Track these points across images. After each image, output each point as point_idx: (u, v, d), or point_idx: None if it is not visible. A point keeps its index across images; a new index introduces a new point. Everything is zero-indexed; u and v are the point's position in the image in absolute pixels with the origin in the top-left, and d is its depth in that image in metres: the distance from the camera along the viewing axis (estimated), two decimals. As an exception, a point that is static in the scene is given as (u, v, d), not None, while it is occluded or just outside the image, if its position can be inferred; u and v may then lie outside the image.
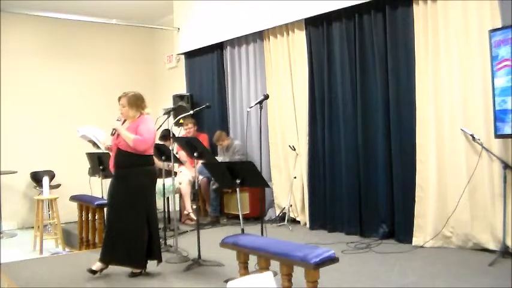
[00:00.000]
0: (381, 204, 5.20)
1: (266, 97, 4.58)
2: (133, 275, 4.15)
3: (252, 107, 4.73)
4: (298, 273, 3.05)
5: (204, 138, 6.60)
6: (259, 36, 6.62)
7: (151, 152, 4.26)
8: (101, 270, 4.20)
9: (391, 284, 3.76)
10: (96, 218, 5.36)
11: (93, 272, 4.15)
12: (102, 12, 7.45)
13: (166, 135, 6.45)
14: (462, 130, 4.53)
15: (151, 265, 4.25)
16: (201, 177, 6.64)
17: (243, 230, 3.94)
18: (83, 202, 5.60)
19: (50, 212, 6.67)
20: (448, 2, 4.60)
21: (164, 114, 5.23)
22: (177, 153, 6.01)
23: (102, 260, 4.16)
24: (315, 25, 5.82)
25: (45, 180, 5.94)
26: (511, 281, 3.56)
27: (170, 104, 7.40)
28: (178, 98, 7.48)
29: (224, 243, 3.54)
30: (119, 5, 7.44)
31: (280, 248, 3.13)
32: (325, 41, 5.70)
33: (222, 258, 4.38)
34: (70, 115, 7.67)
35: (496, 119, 4.20)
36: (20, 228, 7.46)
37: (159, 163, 5.23)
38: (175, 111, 6.65)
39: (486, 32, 4.24)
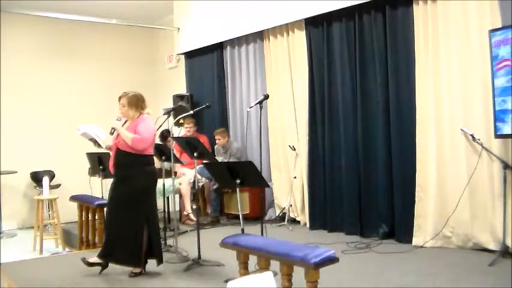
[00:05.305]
0: (381, 204, 5.20)
1: (266, 97, 4.58)
2: (133, 275, 4.15)
3: (252, 107, 4.73)
4: (298, 273, 3.05)
5: (204, 140, 6.60)
6: (259, 36, 6.62)
7: (151, 151, 4.26)
8: (101, 270, 4.22)
9: (391, 284, 3.76)
10: (96, 218, 5.35)
11: (89, 264, 4.17)
12: (102, 12, 7.45)
13: (165, 135, 6.45)
14: (462, 130, 4.53)
15: (152, 265, 4.26)
16: (203, 178, 6.64)
17: (243, 230, 3.93)
18: (83, 202, 5.60)
19: (50, 212, 6.67)
20: (448, 2, 4.60)
21: (164, 114, 5.23)
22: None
23: (100, 255, 4.19)
24: (315, 25, 5.82)
25: (45, 180, 5.93)
26: (511, 281, 3.57)
27: (170, 104, 7.40)
28: (178, 98, 7.48)
29: (224, 243, 3.53)
30: (119, 5, 7.43)
31: (280, 248, 3.13)
32: (325, 41, 5.70)
33: (222, 258, 4.37)
34: (70, 115, 7.66)
35: (496, 119, 4.19)
36: (20, 228, 7.45)
37: (159, 163, 5.23)
38: (175, 111, 6.64)
39: (486, 32, 4.24)
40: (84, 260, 4.19)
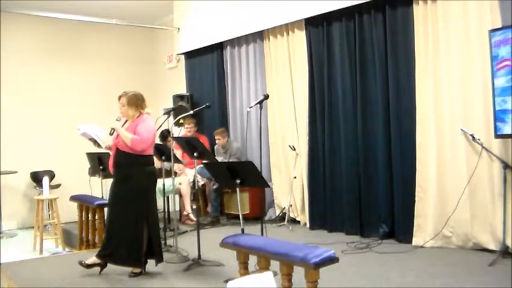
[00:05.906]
0: (381, 204, 5.20)
1: (266, 97, 4.59)
2: (133, 275, 4.15)
3: (252, 107, 4.73)
4: (298, 273, 3.05)
5: (204, 140, 6.59)
6: (259, 36, 6.62)
7: (150, 151, 4.26)
8: (101, 270, 4.22)
9: (391, 284, 3.76)
10: (96, 218, 5.35)
11: (87, 265, 4.17)
12: (102, 12, 7.45)
13: (165, 135, 6.46)
14: (462, 130, 4.53)
15: (152, 265, 4.26)
16: (204, 179, 6.63)
17: (243, 230, 3.93)
18: (83, 202, 5.60)
19: (50, 212, 6.67)
20: (448, 2, 4.60)
21: (164, 114, 5.23)
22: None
23: (98, 255, 4.19)
24: (315, 25, 5.82)
25: (45, 180, 5.93)
26: (511, 281, 3.57)
27: (170, 104, 7.40)
28: (178, 98, 7.48)
29: (224, 243, 3.54)
30: (119, 5, 7.43)
31: (280, 248, 3.13)
32: (325, 41, 5.70)
33: (222, 258, 4.38)
34: (70, 115, 7.66)
35: (496, 119, 4.19)
36: (20, 228, 7.46)
37: (159, 163, 5.23)
38: (175, 111, 6.65)
39: (486, 32, 4.24)
40: (82, 263, 4.18)
